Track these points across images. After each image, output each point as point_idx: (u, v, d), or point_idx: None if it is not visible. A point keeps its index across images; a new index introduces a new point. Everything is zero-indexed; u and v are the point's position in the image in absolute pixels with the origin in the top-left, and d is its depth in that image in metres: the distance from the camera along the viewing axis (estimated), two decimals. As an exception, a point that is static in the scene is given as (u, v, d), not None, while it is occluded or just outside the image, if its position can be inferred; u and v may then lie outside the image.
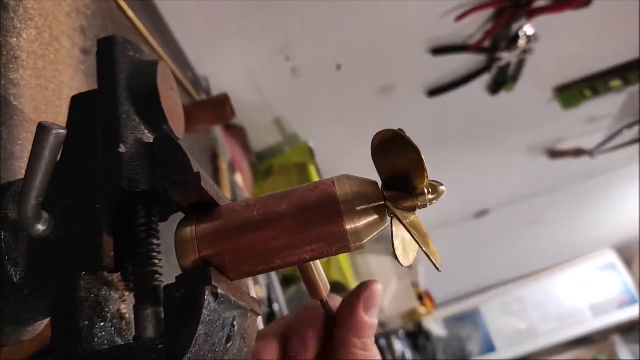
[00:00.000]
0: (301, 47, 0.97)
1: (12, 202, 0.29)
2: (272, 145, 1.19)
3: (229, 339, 0.26)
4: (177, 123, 0.33)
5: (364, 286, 0.32)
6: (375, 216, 0.26)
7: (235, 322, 0.26)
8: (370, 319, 0.32)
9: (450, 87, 1.14)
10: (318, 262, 0.31)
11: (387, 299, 1.63)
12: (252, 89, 1.02)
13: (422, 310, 1.75)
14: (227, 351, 0.26)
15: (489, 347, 2.43)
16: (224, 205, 0.27)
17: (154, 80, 0.32)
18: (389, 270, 1.60)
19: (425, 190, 0.26)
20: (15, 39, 0.40)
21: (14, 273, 0.27)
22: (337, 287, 1.33)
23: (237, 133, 1.08)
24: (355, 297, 0.32)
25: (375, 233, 0.27)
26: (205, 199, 0.27)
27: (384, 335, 1.81)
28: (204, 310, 0.23)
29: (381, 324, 1.73)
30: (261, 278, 0.87)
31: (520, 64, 1.13)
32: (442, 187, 0.27)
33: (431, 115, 1.22)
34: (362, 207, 0.26)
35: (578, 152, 1.43)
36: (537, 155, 1.47)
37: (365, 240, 0.26)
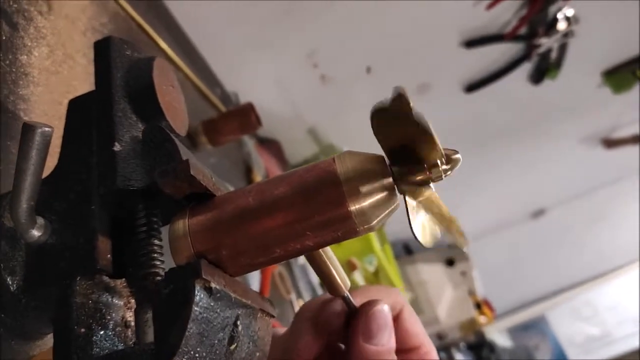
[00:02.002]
0: (328, 53, 0.95)
1: (7, 209, 0.28)
2: (309, 157, 1.17)
3: (231, 340, 0.23)
4: (178, 120, 0.32)
5: (362, 310, 0.29)
6: (383, 194, 0.23)
7: (239, 322, 0.24)
8: (375, 347, 0.28)
9: (489, 80, 1.09)
10: (332, 255, 0.28)
11: (443, 309, 1.56)
12: (283, 100, 1.01)
13: (481, 319, 1.66)
14: (232, 354, 0.23)
15: (560, 356, 2.29)
16: (220, 195, 0.25)
17: (149, 75, 0.31)
18: (442, 278, 1.54)
19: (438, 161, 0.23)
20: (25, 57, 0.40)
21: (11, 282, 0.26)
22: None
23: (271, 147, 1.07)
24: (355, 323, 0.29)
25: (385, 213, 0.24)
26: (198, 190, 0.25)
27: (444, 348, 1.73)
28: (194, 307, 0.21)
29: (439, 336, 1.66)
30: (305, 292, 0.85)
31: (563, 48, 1.06)
32: (457, 155, 0.24)
33: (472, 112, 1.17)
34: (367, 185, 0.23)
35: (636, 139, 1.33)
36: (592, 146, 1.38)
37: (374, 222, 0.24)
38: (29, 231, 0.26)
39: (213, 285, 0.22)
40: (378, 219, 0.24)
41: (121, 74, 0.31)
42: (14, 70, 0.39)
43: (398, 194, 0.24)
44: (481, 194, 1.39)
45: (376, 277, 1.20)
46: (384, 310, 0.29)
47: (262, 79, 0.96)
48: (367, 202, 0.23)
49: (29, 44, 0.42)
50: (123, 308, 0.28)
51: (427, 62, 1.04)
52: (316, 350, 0.30)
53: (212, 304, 0.22)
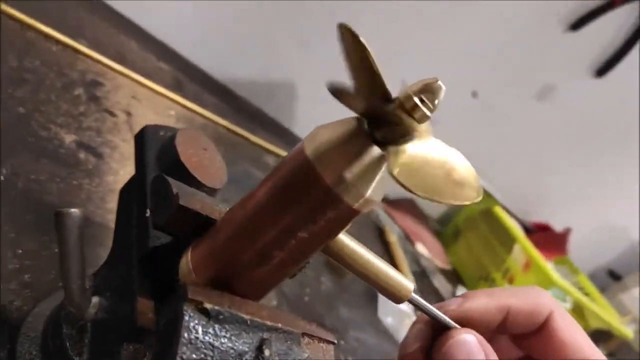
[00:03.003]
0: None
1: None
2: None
3: (257, 367, 0.21)
4: (208, 175, 0.33)
5: (438, 343, 0.24)
6: (363, 157, 0.20)
7: (265, 348, 0.21)
8: None
9: (618, 56, 0.95)
10: (376, 261, 0.25)
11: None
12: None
13: None
14: (262, 382, 0.21)
15: None
16: (220, 218, 0.24)
17: (173, 145, 0.33)
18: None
19: (415, 100, 0.20)
20: (112, 177, 0.46)
21: (78, 362, 0.28)
22: (599, 335, 1.08)
23: (404, 204, 1.04)
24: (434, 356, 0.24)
25: (375, 177, 0.20)
26: (194, 220, 0.24)
27: None
28: (183, 330, 0.19)
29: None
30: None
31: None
32: (436, 83, 0.20)
33: (614, 100, 1.01)
34: (340, 153, 0.20)
35: None
36: None
37: (369, 191, 0.20)
38: (84, 310, 0.27)
39: (209, 306, 0.20)
40: (371, 185, 0.20)
41: (153, 152, 0.33)
42: (100, 189, 0.44)
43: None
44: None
45: (580, 316, 1.03)
46: (468, 341, 0.24)
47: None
48: (346, 171, 0.20)
49: (115, 166, 0.47)
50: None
51: (538, 63, 0.95)
52: None
53: (215, 326, 0.20)
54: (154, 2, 0.71)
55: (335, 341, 0.26)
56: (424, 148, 0.21)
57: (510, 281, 0.95)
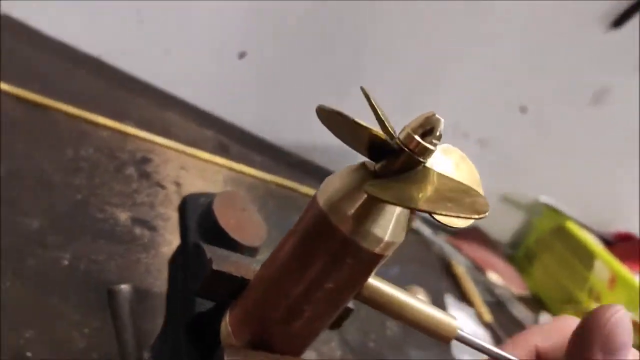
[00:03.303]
0: (470, 114, 0.91)
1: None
2: (517, 226, 1.05)
3: None
4: (247, 234, 0.33)
5: (596, 317, 0.23)
6: (372, 202, 0.20)
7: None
8: None
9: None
10: (413, 302, 0.24)
11: None
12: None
13: None
14: None
15: None
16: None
17: (211, 209, 0.34)
18: None
19: (416, 137, 0.20)
20: (166, 248, 0.48)
21: None
22: None
23: (469, 233, 1.00)
24: (587, 335, 0.23)
25: (391, 218, 0.20)
26: (231, 282, 0.25)
27: None
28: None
29: None
30: None
31: None
32: (433, 117, 0.20)
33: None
34: (351, 199, 0.20)
35: None
36: None
37: (385, 233, 0.20)
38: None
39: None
40: (388, 227, 0.20)
41: (194, 220, 0.35)
42: (157, 261, 0.46)
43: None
44: None
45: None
46: (625, 318, 0.23)
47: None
48: (361, 217, 0.20)
49: (169, 237, 0.50)
50: None
51: (586, 67, 0.91)
52: None
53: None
54: (188, 72, 0.76)
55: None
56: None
57: (598, 300, 0.88)
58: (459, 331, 0.25)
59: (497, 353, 0.25)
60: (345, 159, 0.84)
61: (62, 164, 0.49)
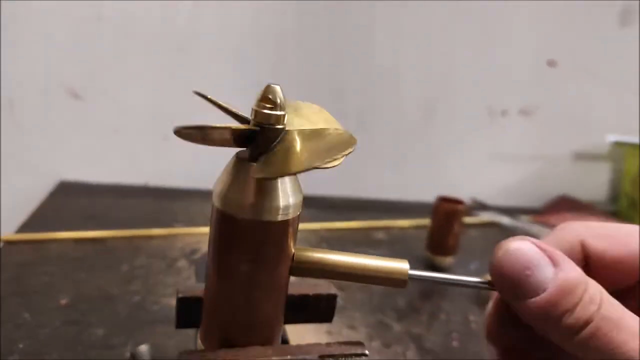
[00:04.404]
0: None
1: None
2: (604, 179, 0.97)
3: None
4: None
5: (491, 266, 0.22)
6: (259, 181, 0.22)
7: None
8: (539, 299, 0.20)
9: None
10: (358, 259, 0.25)
11: None
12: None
13: None
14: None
15: None
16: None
17: None
18: None
19: (261, 110, 0.22)
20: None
21: None
22: None
23: (556, 205, 0.93)
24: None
25: (280, 187, 0.22)
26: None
27: None
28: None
29: None
30: None
31: None
32: (268, 88, 0.22)
33: None
34: (238, 191, 0.23)
35: None
36: None
37: (278, 202, 0.22)
38: None
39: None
40: (281, 197, 0.22)
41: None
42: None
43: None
44: None
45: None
46: (520, 247, 0.21)
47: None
48: (255, 199, 0.22)
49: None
50: None
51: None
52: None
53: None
54: (213, 169, 0.83)
55: (367, 352, 0.25)
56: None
57: None
58: (410, 272, 0.25)
59: (454, 279, 0.25)
60: (384, 184, 0.84)
61: (119, 277, 0.55)
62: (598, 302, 0.19)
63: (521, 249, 0.21)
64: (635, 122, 0.89)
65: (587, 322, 0.19)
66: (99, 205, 0.75)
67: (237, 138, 0.23)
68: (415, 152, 0.90)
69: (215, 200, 0.23)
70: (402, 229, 0.78)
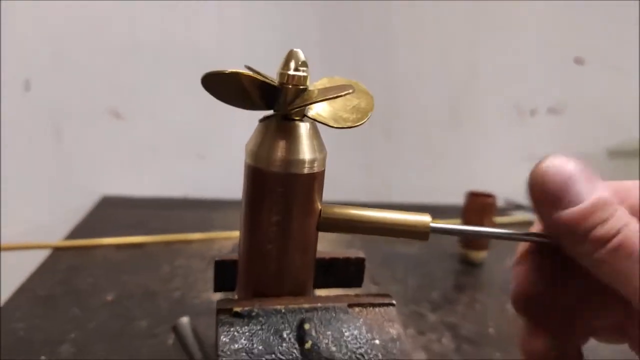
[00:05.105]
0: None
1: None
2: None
3: (301, 340, 0.23)
4: None
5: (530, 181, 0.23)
6: (283, 134, 0.24)
7: (305, 323, 0.24)
8: (572, 211, 0.21)
9: None
10: (382, 213, 0.27)
11: None
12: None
13: None
14: (311, 352, 0.23)
15: None
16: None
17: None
18: None
19: (287, 72, 0.24)
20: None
21: None
22: None
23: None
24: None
25: (305, 141, 0.24)
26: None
27: None
28: (220, 334, 0.23)
29: None
30: None
31: None
32: (291, 52, 0.24)
33: None
34: (269, 147, 0.24)
35: None
36: None
37: (306, 155, 0.24)
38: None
39: (239, 309, 0.24)
40: (303, 150, 0.24)
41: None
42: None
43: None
44: None
45: None
46: (564, 161, 0.22)
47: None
48: (284, 153, 0.24)
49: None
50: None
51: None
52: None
53: (251, 322, 0.24)
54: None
55: (394, 302, 0.26)
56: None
57: None
58: (432, 224, 0.26)
59: (476, 231, 0.26)
60: (401, 187, 0.84)
61: (161, 277, 0.58)
62: (628, 221, 0.20)
63: (564, 163, 0.22)
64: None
65: (616, 234, 0.20)
66: (139, 216, 0.78)
67: (263, 94, 0.24)
68: (444, 155, 0.91)
69: (247, 158, 0.25)
70: (434, 229, 0.79)
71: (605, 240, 0.20)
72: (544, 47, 0.89)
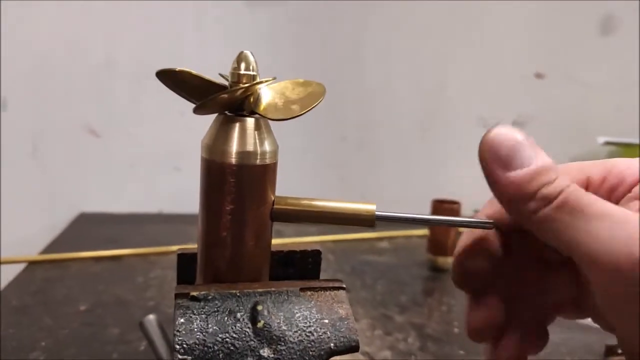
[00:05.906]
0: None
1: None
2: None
3: (254, 320, 0.25)
4: None
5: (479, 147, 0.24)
6: (235, 128, 0.26)
7: (258, 305, 0.26)
8: (518, 173, 0.23)
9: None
10: (328, 202, 0.29)
11: None
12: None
13: None
14: (262, 330, 0.25)
15: None
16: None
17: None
18: None
19: (238, 72, 0.26)
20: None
21: None
22: None
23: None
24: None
25: (254, 135, 0.26)
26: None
27: None
28: (177, 315, 0.25)
29: None
30: None
31: None
32: (240, 55, 0.27)
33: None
34: (220, 139, 0.26)
35: None
36: None
37: (257, 147, 0.26)
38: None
39: (195, 293, 0.26)
40: (253, 142, 0.26)
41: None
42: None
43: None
44: None
45: None
46: (512, 130, 0.24)
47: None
48: (238, 146, 0.26)
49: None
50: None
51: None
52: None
53: (207, 305, 0.25)
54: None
55: (344, 286, 0.28)
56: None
57: None
58: (377, 212, 0.28)
59: (419, 218, 0.28)
60: (383, 194, 0.86)
61: (135, 287, 0.59)
62: (569, 183, 0.23)
63: (512, 130, 0.24)
64: (624, 122, 0.92)
65: (560, 192, 0.22)
66: (116, 231, 0.79)
67: (210, 88, 0.26)
68: (414, 165, 0.94)
69: (203, 152, 0.27)
70: (406, 237, 0.81)
71: (552, 198, 0.22)
72: (507, 63, 0.93)
